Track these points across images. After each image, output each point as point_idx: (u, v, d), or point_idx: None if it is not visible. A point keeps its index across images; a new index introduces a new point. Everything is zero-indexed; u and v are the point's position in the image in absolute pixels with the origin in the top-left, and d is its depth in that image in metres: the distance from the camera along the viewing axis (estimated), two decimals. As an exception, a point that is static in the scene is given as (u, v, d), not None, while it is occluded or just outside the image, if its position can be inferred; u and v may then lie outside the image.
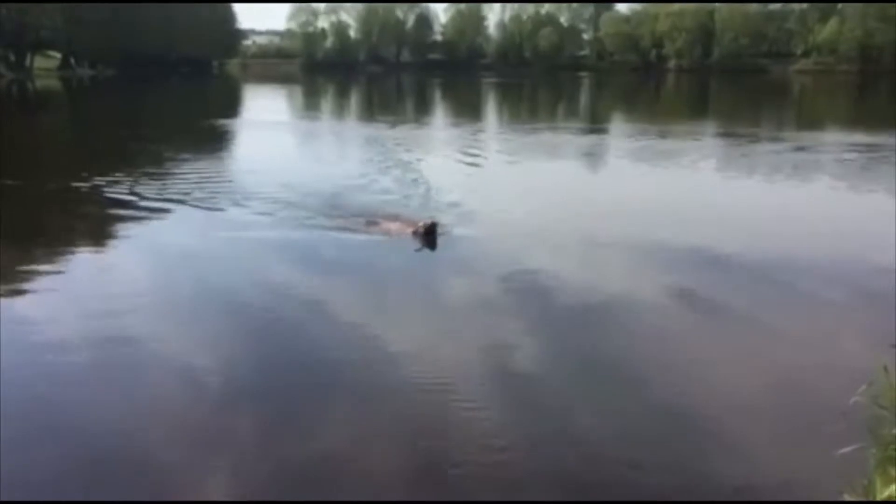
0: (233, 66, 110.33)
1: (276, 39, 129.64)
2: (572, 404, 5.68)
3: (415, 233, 10.28)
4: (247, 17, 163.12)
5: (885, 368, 3.92)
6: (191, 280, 8.87)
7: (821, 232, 11.44)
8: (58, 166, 18.91)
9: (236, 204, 12.93)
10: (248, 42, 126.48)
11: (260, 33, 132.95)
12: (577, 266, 9.58)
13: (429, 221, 10.30)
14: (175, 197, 13.60)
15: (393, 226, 10.82)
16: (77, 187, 14.61)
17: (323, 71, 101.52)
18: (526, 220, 11.98)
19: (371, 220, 11.27)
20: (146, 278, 9.01)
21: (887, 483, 3.57)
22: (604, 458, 4.95)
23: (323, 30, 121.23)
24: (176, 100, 51.55)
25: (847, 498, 3.66)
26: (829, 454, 3.95)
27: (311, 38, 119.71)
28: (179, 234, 11.42)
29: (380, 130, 27.74)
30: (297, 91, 63.30)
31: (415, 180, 15.33)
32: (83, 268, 9.53)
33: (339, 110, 43.61)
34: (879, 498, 3.47)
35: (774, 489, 4.49)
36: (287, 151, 22.99)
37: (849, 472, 3.83)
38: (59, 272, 9.17)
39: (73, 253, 10.27)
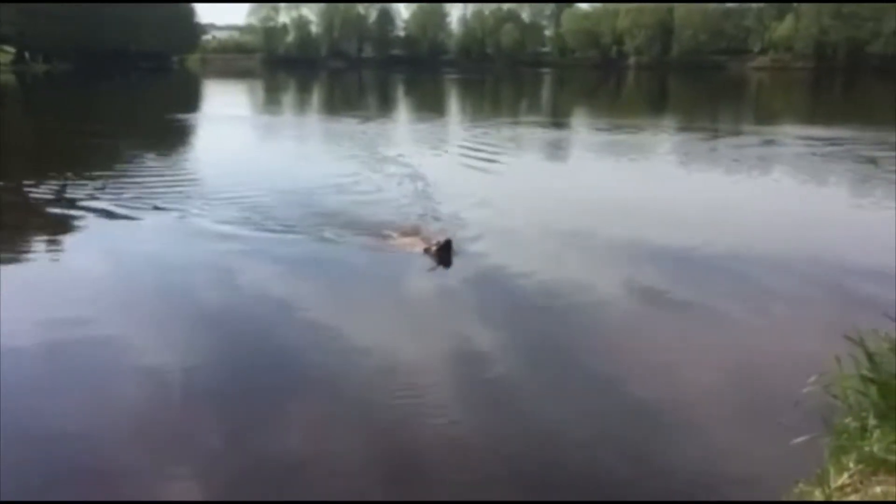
0: (193, 61, 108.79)
1: (237, 34, 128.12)
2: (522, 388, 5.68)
3: (426, 250, 9.30)
4: (206, 12, 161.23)
5: (837, 359, 3.99)
6: (157, 297, 7.97)
7: (778, 225, 11.60)
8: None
9: (208, 208, 11.94)
10: (207, 37, 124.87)
11: (220, 28, 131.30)
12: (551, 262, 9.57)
13: (443, 240, 9.25)
14: (135, 201, 12.66)
15: (405, 241, 9.87)
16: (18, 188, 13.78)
17: (284, 66, 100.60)
18: (527, 224, 11.72)
19: (377, 232, 10.29)
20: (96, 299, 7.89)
21: (841, 471, 3.63)
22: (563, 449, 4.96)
23: (284, 25, 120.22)
24: (133, 95, 50.61)
25: (802, 487, 3.71)
26: (784, 443, 4.01)
27: (271, 34, 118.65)
28: (142, 240, 10.37)
29: (348, 126, 27.57)
30: (258, 86, 62.64)
31: (399, 179, 15.17)
32: (26, 276, 8.84)
33: (303, 106, 43.25)
34: (833, 485, 3.53)
35: (731, 479, 4.53)
36: (254, 148, 22.57)
37: (804, 461, 3.89)
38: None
39: (15, 259, 9.51)
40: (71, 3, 79.51)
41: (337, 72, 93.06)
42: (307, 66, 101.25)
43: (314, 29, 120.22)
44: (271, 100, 48.66)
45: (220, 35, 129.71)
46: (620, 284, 8.35)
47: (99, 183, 14.15)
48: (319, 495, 4.45)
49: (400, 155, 18.61)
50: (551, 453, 4.87)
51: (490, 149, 19.84)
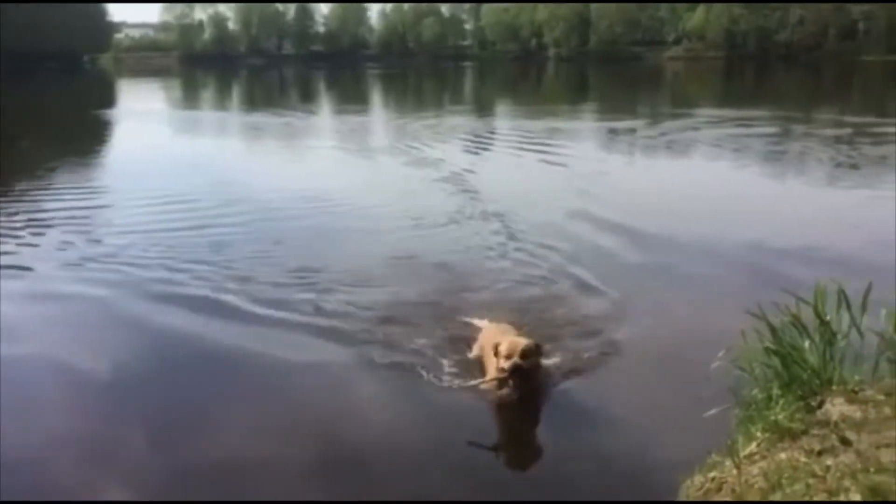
0: (106, 60, 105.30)
1: (151, 32, 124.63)
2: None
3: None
4: (119, 10, 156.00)
5: (743, 333, 4.17)
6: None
7: (691, 205, 11.99)
8: None
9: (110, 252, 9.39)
10: (120, 35, 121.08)
11: (132, 26, 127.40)
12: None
13: (518, 351, 5.25)
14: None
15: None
16: None
17: (201, 64, 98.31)
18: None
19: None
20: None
21: (749, 441, 3.80)
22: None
23: (200, 21, 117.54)
24: (38, 97, 48.63)
25: (714, 457, 3.86)
26: (696, 416, 4.15)
27: (187, 31, 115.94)
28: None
29: (267, 119, 27.19)
30: (175, 85, 61.09)
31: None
32: None
33: (223, 103, 42.40)
34: (742, 454, 3.68)
35: (645, 454, 4.69)
36: (172, 152, 21.83)
37: (715, 433, 4.04)
38: None
39: None
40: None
41: (256, 69, 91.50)
42: (225, 63, 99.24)
43: (231, 26, 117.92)
44: (189, 98, 47.52)
45: (134, 33, 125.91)
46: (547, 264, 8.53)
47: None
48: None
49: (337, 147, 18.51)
50: None
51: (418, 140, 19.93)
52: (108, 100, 41.25)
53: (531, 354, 5.31)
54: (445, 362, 5.93)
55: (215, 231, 10.28)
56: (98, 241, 9.86)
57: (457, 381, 5.60)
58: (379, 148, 20.14)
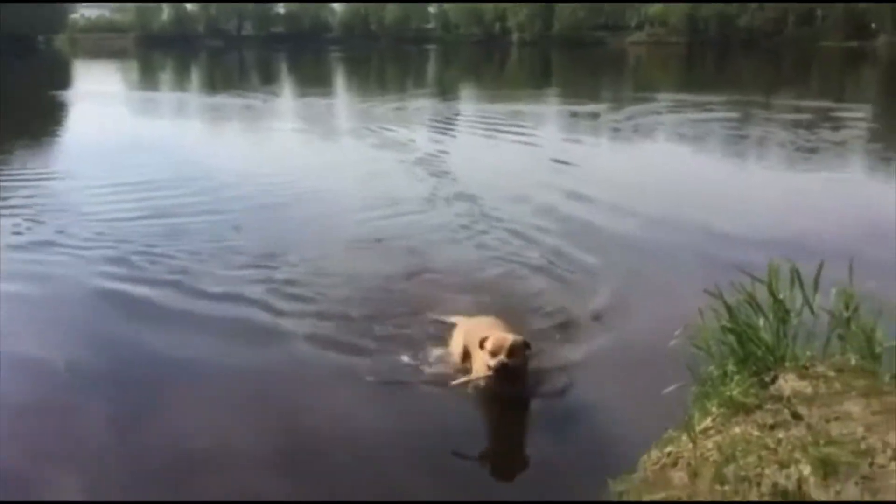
0: (61, 41, 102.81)
1: (107, 13, 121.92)
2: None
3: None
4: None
5: (700, 312, 4.24)
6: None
7: (651, 191, 12.13)
8: None
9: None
10: (75, 15, 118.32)
11: (88, 4, 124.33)
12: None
13: (505, 348, 5.02)
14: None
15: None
16: None
17: (159, 45, 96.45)
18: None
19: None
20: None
21: (705, 416, 3.88)
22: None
23: (158, 2, 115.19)
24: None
25: (671, 433, 3.94)
26: (654, 394, 4.23)
27: (144, 11, 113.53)
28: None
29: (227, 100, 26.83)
30: (133, 67, 59.93)
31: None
32: None
33: (182, 84, 41.66)
34: (698, 429, 3.76)
35: (606, 430, 4.79)
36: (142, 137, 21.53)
37: (672, 409, 4.12)
38: None
39: None
40: None
41: (216, 51, 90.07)
42: (184, 45, 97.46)
43: (190, 6, 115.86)
44: (148, 84, 46.64)
45: (89, 13, 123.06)
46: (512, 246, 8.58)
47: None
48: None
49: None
50: None
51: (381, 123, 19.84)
52: (64, 81, 40.38)
53: (519, 352, 5.04)
54: (422, 357, 5.78)
55: (173, 218, 10.08)
56: (51, 228, 9.62)
57: (439, 378, 5.37)
58: (345, 131, 20.08)
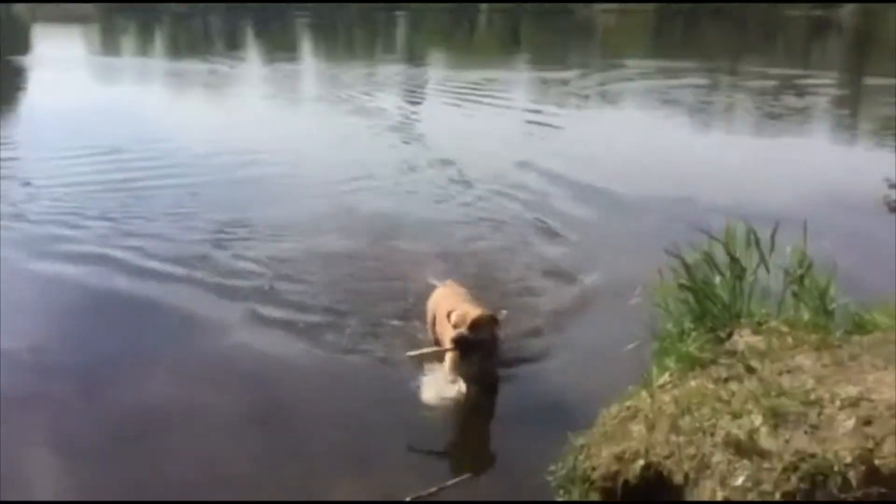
0: (19, 7, 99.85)
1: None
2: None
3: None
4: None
5: (659, 271, 4.33)
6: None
7: (619, 157, 12.22)
8: None
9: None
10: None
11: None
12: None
13: (467, 321, 4.84)
14: None
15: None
16: None
17: (121, 10, 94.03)
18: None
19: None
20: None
21: (662, 371, 3.98)
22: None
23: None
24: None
25: (630, 389, 4.03)
26: (616, 351, 4.33)
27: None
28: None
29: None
30: (94, 30, 58.49)
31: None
32: None
33: (145, 49, 40.70)
34: (656, 384, 3.86)
35: (572, 388, 4.90)
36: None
37: (632, 366, 4.23)
38: None
39: None
40: None
41: (179, 16, 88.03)
42: (146, 10, 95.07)
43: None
44: (110, 48, 45.57)
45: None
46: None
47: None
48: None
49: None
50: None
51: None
52: (23, 46, 39.25)
53: (483, 326, 4.85)
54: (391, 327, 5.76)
55: (132, 185, 9.95)
56: (6, 198, 9.38)
57: (406, 351, 5.19)
58: (314, 97, 19.84)
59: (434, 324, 5.38)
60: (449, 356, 4.95)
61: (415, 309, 5.97)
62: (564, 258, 7.24)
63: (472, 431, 4.76)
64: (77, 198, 9.37)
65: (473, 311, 4.89)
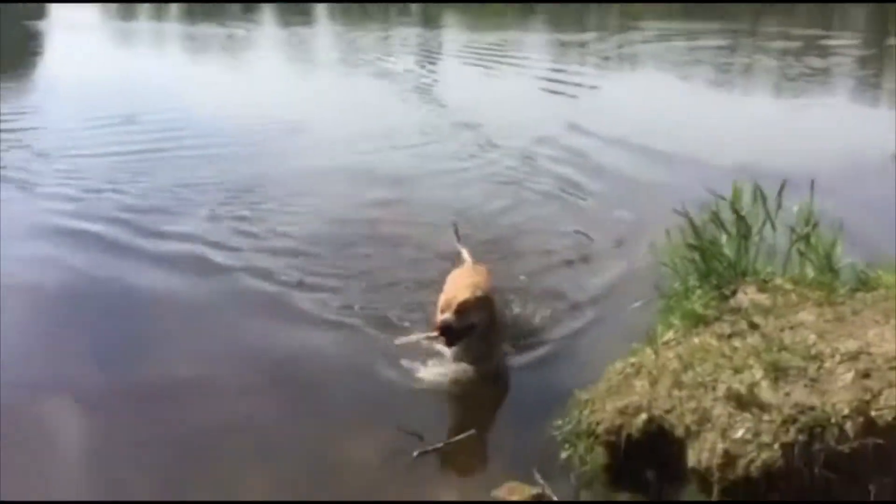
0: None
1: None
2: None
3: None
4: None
5: (667, 231, 4.38)
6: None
7: (640, 118, 12.08)
8: None
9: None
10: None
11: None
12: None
13: (452, 306, 4.56)
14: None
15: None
16: None
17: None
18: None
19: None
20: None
21: (667, 328, 4.05)
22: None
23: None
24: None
25: (636, 346, 4.10)
26: (623, 309, 4.39)
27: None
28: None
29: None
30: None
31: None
32: None
33: (160, 13, 40.59)
34: (661, 341, 3.92)
35: (580, 343, 4.98)
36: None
37: (639, 323, 4.29)
38: None
39: None
40: None
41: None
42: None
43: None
44: (126, 12, 45.47)
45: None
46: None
47: None
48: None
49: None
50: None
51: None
52: (39, 10, 39.25)
53: (471, 311, 4.52)
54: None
55: (151, 153, 9.79)
56: (19, 164, 9.30)
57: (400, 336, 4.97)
58: (333, 60, 19.71)
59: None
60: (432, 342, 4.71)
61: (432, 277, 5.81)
62: (576, 217, 7.28)
63: (479, 390, 4.71)
64: (90, 164, 9.31)
65: (461, 295, 4.54)
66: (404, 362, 4.76)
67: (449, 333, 4.50)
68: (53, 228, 7.32)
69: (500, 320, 4.78)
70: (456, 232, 6.23)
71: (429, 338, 4.78)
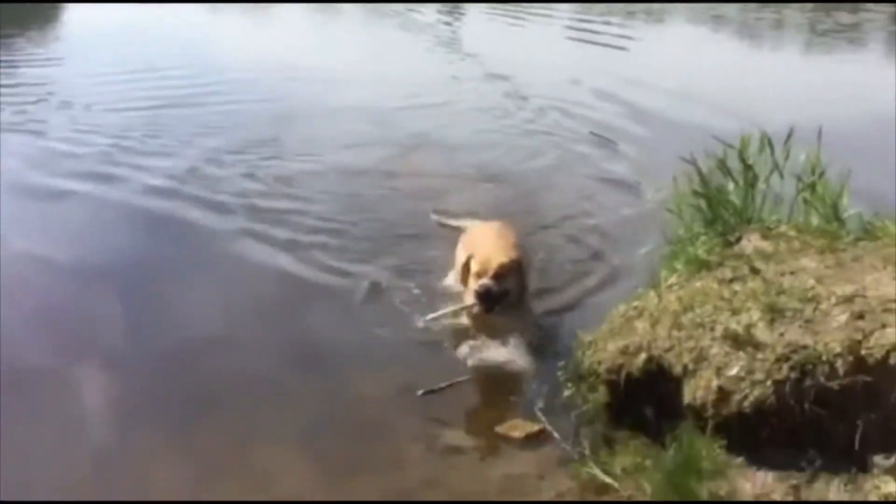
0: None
1: None
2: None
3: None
4: None
5: (674, 178, 4.44)
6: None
7: (660, 75, 11.94)
8: None
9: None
10: None
11: None
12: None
13: (491, 270, 4.30)
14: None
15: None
16: None
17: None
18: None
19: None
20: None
21: (671, 273, 4.13)
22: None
23: None
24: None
25: (640, 290, 4.20)
26: (631, 254, 4.48)
27: None
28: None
29: None
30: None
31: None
32: None
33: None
34: (663, 286, 4.02)
35: (586, 285, 5.10)
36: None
37: (644, 268, 4.39)
38: None
39: None
40: None
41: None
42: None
43: None
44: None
45: None
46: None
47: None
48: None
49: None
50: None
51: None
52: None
53: (506, 274, 4.25)
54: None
55: (176, 108, 9.59)
56: (43, 117, 9.17)
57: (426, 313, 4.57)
58: (357, 9, 19.33)
59: (466, 269, 4.50)
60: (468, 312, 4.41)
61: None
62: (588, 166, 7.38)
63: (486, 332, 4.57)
64: (115, 118, 9.16)
65: (495, 259, 4.28)
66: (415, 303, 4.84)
67: (488, 300, 4.23)
68: (80, 176, 7.28)
69: (528, 279, 4.56)
70: (439, 220, 5.88)
71: (462, 308, 4.47)
